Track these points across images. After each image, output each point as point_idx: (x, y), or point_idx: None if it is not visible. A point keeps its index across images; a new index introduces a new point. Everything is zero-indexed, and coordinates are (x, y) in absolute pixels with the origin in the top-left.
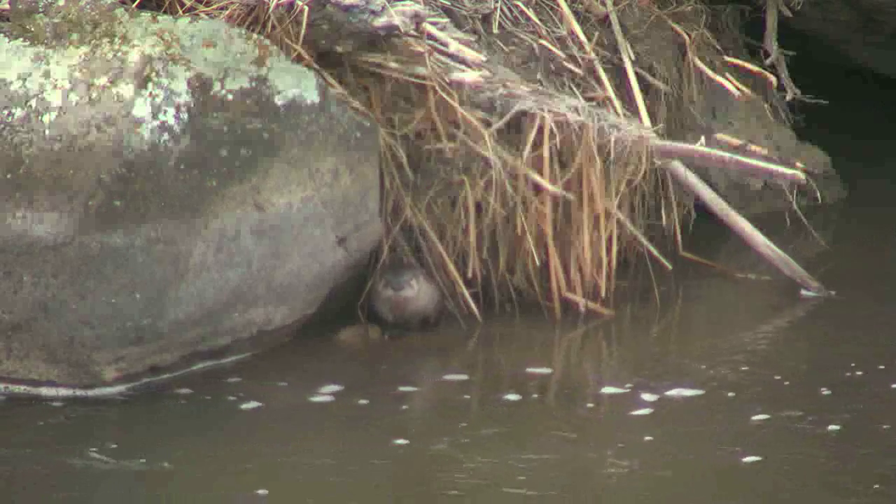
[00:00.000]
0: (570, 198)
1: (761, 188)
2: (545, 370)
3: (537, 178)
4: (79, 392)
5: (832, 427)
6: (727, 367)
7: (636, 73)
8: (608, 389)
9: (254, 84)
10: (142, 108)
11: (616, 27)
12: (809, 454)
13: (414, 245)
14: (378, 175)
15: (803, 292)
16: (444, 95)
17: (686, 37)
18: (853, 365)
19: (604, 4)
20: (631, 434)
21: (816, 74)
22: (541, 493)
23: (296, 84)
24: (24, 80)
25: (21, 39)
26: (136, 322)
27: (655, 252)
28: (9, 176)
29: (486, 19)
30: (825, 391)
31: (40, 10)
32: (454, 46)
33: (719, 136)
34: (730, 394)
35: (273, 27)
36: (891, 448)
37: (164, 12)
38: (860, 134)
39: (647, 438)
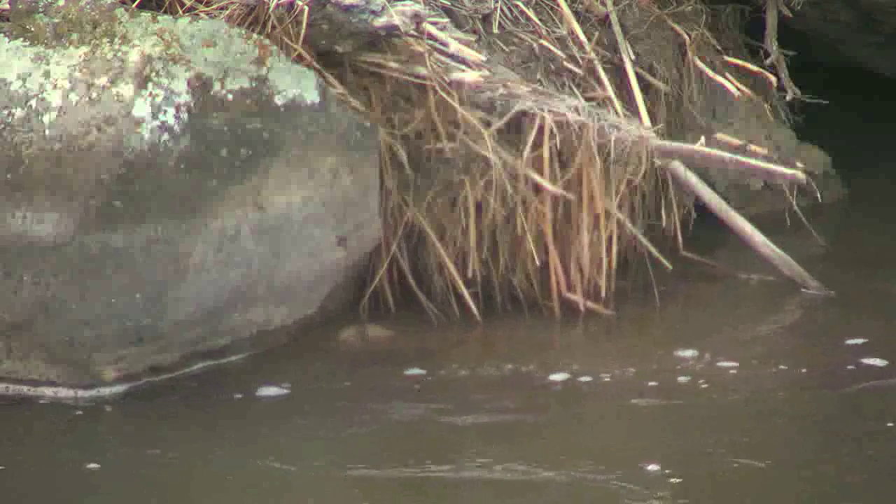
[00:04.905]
0: (571, 198)
1: (761, 188)
2: (545, 370)
3: (537, 178)
4: (79, 392)
5: (834, 426)
6: (727, 367)
7: (636, 73)
8: (608, 388)
9: (254, 84)
10: (142, 108)
11: (616, 27)
12: (811, 453)
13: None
14: (378, 175)
15: (803, 292)
16: (444, 95)
17: (686, 37)
18: (854, 364)
19: (604, 4)
20: (631, 433)
21: (816, 74)
22: (540, 492)
23: (296, 84)
24: (24, 80)
25: (21, 39)
26: (136, 322)
27: (655, 252)
28: (9, 176)
29: (486, 19)
30: (826, 390)
31: (40, 10)
32: (454, 46)
33: (719, 136)
34: (730, 393)
35: (273, 27)
36: None
37: (164, 12)
38: (860, 134)
39: (648, 438)
